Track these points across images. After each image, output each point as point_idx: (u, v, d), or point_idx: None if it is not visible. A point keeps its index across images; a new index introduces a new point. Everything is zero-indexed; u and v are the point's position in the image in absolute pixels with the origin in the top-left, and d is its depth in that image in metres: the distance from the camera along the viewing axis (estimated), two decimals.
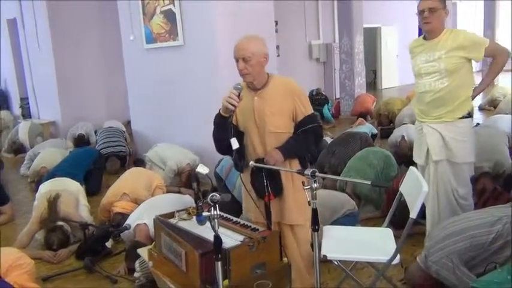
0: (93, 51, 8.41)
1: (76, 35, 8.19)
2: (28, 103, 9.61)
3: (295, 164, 2.60)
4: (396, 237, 2.57)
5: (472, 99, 3.09)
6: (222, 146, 2.56)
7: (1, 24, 10.10)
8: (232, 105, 2.38)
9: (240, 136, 2.59)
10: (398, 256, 2.35)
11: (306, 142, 2.58)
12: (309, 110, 2.60)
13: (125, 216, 3.96)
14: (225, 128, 2.44)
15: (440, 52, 2.96)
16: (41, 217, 3.85)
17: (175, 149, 5.51)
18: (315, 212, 2.10)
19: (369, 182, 2.03)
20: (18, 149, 7.61)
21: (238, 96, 2.40)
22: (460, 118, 3.00)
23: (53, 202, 3.90)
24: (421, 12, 2.95)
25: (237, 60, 2.49)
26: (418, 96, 3.15)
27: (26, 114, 9.69)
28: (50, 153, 5.99)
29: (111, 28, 7.85)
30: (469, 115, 3.06)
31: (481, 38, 3.10)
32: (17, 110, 10.16)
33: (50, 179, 4.69)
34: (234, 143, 2.39)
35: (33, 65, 8.91)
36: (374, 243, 2.60)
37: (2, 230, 4.53)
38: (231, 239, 2.26)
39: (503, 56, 3.04)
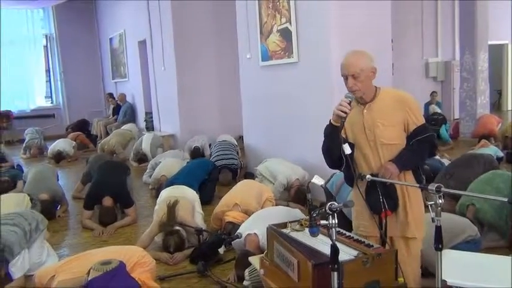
0: (209, 69, 8.88)
1: (195, 54, 8.73)
2: (152, 117, 10.50)
3: (409, 177, 2.55)
4: None
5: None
6: (333, 157, 2.55)
7: (129, 45, 11.21)
8: (344, 112, 2.38)
9: (351, 149, 2.56)
10: None
11: (421, 152, 2.57)
12: (421, 120, 2.57)
13: (235, 225, 4.09)
14: (336, 137, 2.43)
15: None
16: (160, 221, 4.13)
17: (285, 164, 5.58)
18: (438, 229, 1.98)
19: (506, 199, 1.87)
20: (141, 159, 8.27)
21: (349, 104, 2.40)
22: None
23: (172, 207, 4.16)
24: None
25: (345, 78, 2.50)
26: None
27: (150, 127, 10.58)
28: (169, 163, 6.40)
29: (227, 47, 8.38)
30: None
31: None
32: (142, 123, 11.12)
33: (169, 187, 5.01)
34: (347, 148, 2.39)
35: (159, 83, 9.71)
36: (500, 272, 2.38)
37: (125, 230, 4.95)
38: (344, 253, 2.21)
39: None
